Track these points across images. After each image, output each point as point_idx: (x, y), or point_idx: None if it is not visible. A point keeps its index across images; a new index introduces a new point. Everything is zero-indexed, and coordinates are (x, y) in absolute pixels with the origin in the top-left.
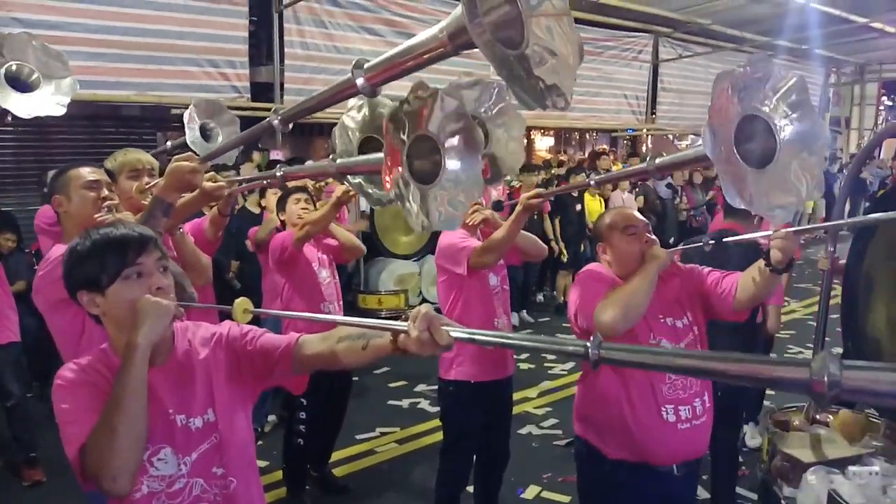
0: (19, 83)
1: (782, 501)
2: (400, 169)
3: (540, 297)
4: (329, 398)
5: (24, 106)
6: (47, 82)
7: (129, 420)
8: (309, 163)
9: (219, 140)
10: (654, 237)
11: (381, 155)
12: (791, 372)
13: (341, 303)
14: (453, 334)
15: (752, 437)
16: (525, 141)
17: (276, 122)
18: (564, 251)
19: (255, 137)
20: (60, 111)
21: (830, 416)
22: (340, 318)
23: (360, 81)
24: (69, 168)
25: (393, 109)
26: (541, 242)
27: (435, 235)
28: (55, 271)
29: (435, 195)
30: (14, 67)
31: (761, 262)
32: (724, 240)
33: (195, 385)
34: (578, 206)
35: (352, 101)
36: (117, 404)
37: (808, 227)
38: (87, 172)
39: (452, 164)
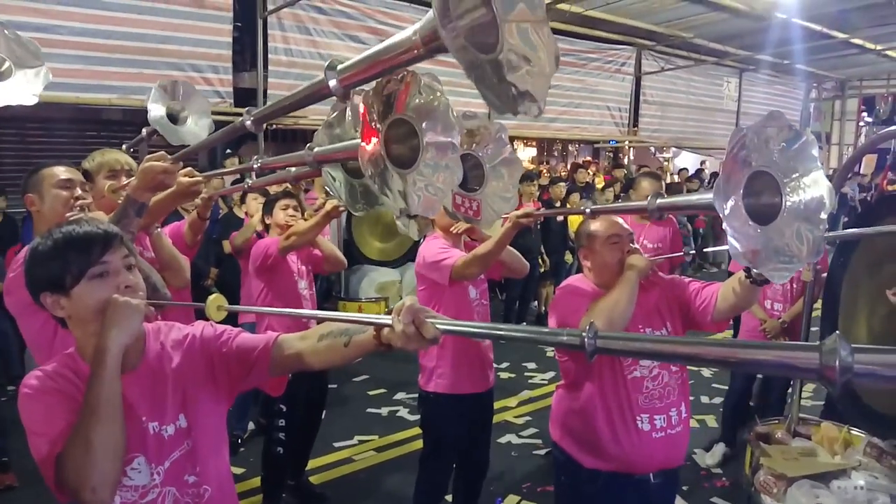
0: None
1: None
2: (378, 149)
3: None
4: (307, 405)
5: None
6: (20, 71)
7: (105, 430)
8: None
9: (188, 124)
10: (635, 246)
11: (358, 140)
12: (799, 358)
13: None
14: (440, 327)
15: (711, 456)
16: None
17: (249, 122)
18: (546, 261)
19: (228, 137)
20: (33, 101)
21: (812, 430)
22: (321, 313)
23: (332, 83)
24: (43, 167)
25: (369, 91)
26: (523, 259)
27: (416, 243)
28: (20, 272)
29: (413, 180)
30: None
31: (742, 273)
32: (705, 250)
33: (167, 390)
34: (560, 217)
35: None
36: (91, 414)
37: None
38: (61, 171)
39: (431, 148)
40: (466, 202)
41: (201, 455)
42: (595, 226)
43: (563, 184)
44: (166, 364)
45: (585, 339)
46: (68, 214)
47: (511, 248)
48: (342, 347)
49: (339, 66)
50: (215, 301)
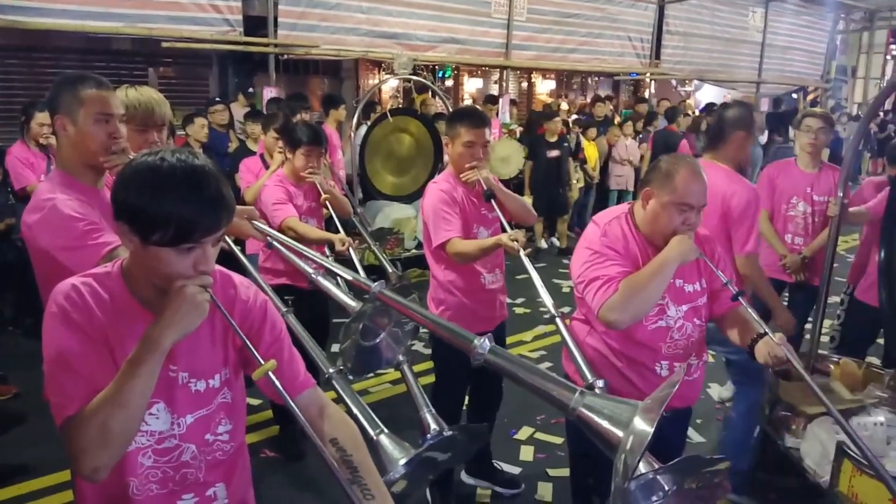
0: None
1: (784, 451)
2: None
3: (543, 244)
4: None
5: None
6: None
7: (128, 423)
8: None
9: None
10: (697, 225)
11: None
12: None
13: (325, 249)
14: None
15: (726, 389)
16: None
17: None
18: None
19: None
20: None
21: (832, 366)
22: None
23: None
24: (81, 82)
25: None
26: (532, 209)
27: (430, 178)
28: (54, 230)
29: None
30: None
31: (748, 340)
32: (739, 298)
33: (208, 346)
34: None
35: None
36: (118, 406)
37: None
38: (101, 99)
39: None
40: None
41: (233, 414)
42: (679, 176)
43: (558, 119)
44: (215, 319)
45: None
46: (102, 159)
47: (518, 197)
48: (336, 465)
49: (488, 351)
50: (268, 367)
